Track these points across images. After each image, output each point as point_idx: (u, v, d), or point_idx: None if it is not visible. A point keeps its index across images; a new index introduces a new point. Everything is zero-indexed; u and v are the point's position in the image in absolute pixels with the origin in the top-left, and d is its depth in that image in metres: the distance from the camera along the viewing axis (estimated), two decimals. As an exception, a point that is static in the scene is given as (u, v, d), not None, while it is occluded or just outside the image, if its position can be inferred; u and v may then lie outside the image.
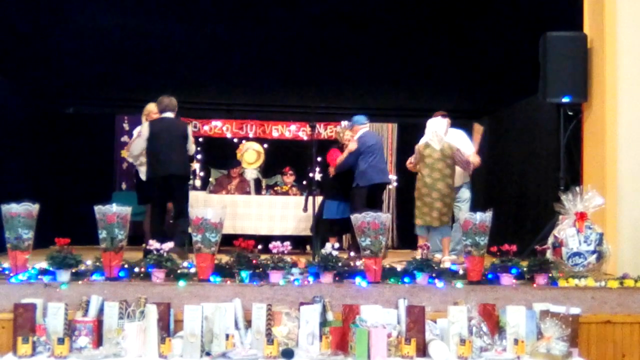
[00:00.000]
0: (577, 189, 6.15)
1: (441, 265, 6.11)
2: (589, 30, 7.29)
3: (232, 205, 10.07)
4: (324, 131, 12.25)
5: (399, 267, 5.95)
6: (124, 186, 11.84)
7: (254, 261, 5.69)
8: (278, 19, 9.29)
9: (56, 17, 8.98)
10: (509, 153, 10.69)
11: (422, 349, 4.98)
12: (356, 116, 9.10)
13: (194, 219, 5.61)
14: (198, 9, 9.07)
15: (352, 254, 7.57)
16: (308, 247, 9.97)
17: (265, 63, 10.51)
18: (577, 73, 7.20)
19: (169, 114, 8.05)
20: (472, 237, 5.72)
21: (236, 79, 11.09)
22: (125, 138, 11.45)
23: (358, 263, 5.93)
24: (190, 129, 8.39)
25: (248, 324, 5.15)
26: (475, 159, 8.26)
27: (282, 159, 11.97)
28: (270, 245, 5.82)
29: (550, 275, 5.83)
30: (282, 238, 6.02)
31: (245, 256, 5.69)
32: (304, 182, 11.10)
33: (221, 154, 12.29)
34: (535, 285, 5.71)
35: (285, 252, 5.79)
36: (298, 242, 9.76)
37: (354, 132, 9.01)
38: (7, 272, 5.61)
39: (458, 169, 8.23)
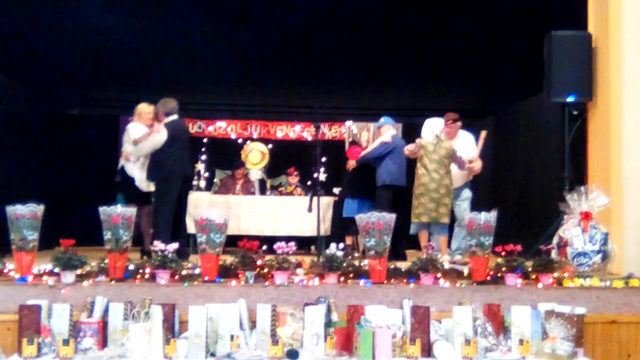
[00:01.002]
0: (582, 188, 6.15)
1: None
2: (594, 29, 7.27)
3: (237, 206, 10.08)
4: (329, 131, 12.27)
5: (404, 268, 5.95)
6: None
7: (259, 262, 5.69)
8: (282, 19, 9.28)
9: (61, 18, 8.97)
10: (513, 153, 10.68)
11: (427, 350, 4.97)
12: (387, 116, 9.20)
13: (198, 220, 5.61)
14: (203, 9, 9.06)
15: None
16: (313, 248, 9.98)
17: (269, 64, 10.49)
18: (582, 72, 7.19)
19: (175, 116, 8.10)
20: (477, 237, 5.72)
21: (241, 79, 11.08)
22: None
23: (363, 263, 5.93)
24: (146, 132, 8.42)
25: (253, 324, 5.15)
26: (476, 165, 8.26)
27: (286, 160, 11.99)
28: (275, 246, 5.82)
29: (555, 275, 5.82)
30: (287, 239, 6.01)
31: (249, 257, 5.69)
32: (309, 183, 11.11)
33: (226, 155, 12.32)
34: (540, 285, 5.70)
35: (290, 252, 5.79)
36: (303, 243, 9.76)
37: (383, 132, 9.08)
38: (12, 274, 5.61)
39: (459, 170, 8.23)
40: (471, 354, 4.88)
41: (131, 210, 5.73)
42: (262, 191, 11.36)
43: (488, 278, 5.78)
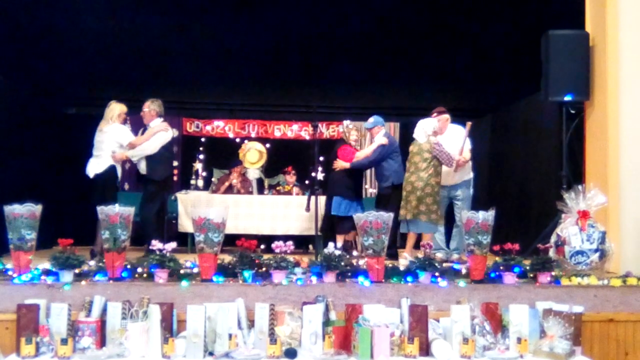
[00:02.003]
0: (580, 187, 6.16)
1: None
2: (591, 28, 7.28)
3: (235, 205, 10.07)
4: (326, 130, 12.27)
5: (402, 266, 5.95)
6: (126, 187, 11.83)
7: (257, 261, 5.70)
8: (280, 19, 9.29)
9: (59, 17, 8.98)
10: (511, 152, 10.68)
11: (425, 348, 4.98)
12: (377, 116, 9.16)
13: (196, 219, 5.61)
14: (201, 9, 9.07)
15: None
16: (311, 247, 9.97)
17: (267, 63, 10.50)
18: (579, 71, 7.20)
19: (162, 119, 8.35)
20: (475, 236, 5.72)
21: (238, 79, 11.09)
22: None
23: (361, 262, 5.92)
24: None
25: (251, 323, 5.16)
26: (462, 157, 8.24)
27: (284, 159, 11.98)
28: (273, 245, 5.82)
29: (553, 273, 5.83)
30: (285, 238, 6.02)
31: (248, 256, 5.70)
32: (307, 182, 11.11)
33: (223, 154, 12.32)
34: (538, 283, 5.71)
35: (288, 251, 5.79)
36: (301, 242, 9.75)
37: (375, 132, 9.08)
38: (10, 273, 5.61)
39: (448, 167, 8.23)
40: (469, 352, 4.89)
41: (129, 210, 5.73)
42: (260, 190, 11.36)
43: (486, 277, 5.79)
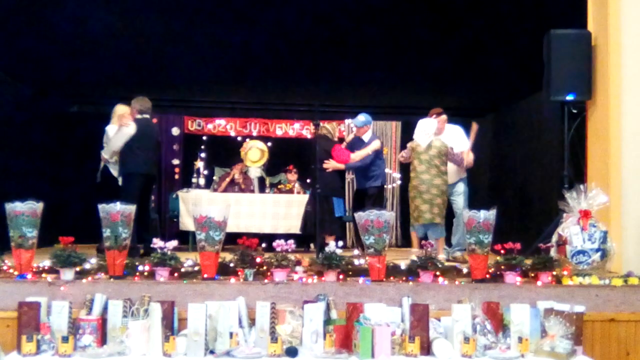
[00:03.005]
0: (581, 186, 6.15)
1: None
2: (593, 27, 7.27)
3: (236, 203, 10.09)
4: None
5: (403, 265, 5.95)
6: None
7: (258, 259, 5.70)
8: (281, 17, 9.27)
9: (61, 16, 8.97)
10: (512, 151, 10.69)
11: (426, 347, 4.98)
12: (366, 114, 9.18)
13: (197, 217, 5.61)
14: (201, 8, 9.06)
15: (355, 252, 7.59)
16: (312, 245, 9.98)
17: (268, 61, 10.49)
18: (581, 71, 7.19)
19: (147, 116, 8.32)
20: (476, 235, 5.72)
21: (240, 77, 11.08)
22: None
23: (362, 261, 5.93)
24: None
25: (252, 322, 5.16)
26: (469, 157, 8.29)
27: (285, 157, 11.98)
28: (274, 244, 5.82)
29: (554, 273, 5.82)
30: (286, 236, 6.02)
31: (249, 254, 5.70)
32: (308, 180, 11.11)
33: (225, 153, 12.33)
34: (539, 283, 5.70)
35: (289, 250, 5.79)
36: (302, 241, 9.76)
37: (363, 131, 9.11)
38: (11, 271, 5.62)
39: (452, 166, 8.25)
40: (470, 351, 4.89)
41: (130, 208, 5.73)
42: (262, 189, 11.37)
43: (487, 276, 5.79)
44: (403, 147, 9.12)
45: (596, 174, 7.01)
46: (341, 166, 9.02)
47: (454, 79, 10.74)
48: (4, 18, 8.64)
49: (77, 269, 5.56)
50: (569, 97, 7.29)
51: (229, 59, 10.47)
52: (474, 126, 8.51)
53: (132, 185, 8.01)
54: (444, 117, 8.46)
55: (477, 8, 8.91)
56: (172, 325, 5.07)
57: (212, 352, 4.89)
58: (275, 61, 10.45)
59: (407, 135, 11.93)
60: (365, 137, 9.22)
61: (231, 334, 4.94)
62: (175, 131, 12.62)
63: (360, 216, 5.75)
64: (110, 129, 8.46)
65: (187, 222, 10.04)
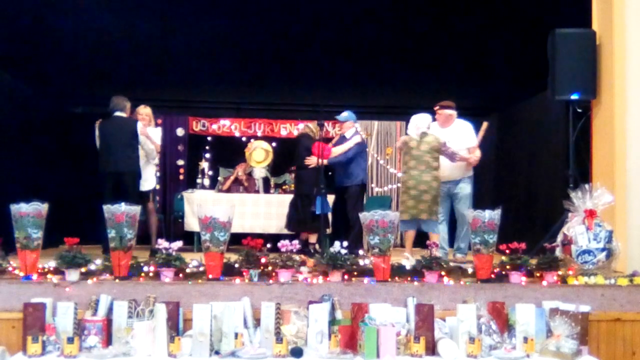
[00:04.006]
0: (587, 186, 6.14)
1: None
2: (598, 27, 7.26)
3: (241, 204, 10.10)
4: (332, 129, 12.23)
5: (408, 266, 5.94)
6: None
7: (263, 260, 5.70)
8: (286, 17, 9.28)
9: (64, 17, 8.98)
10: (517, 151, 10.67)
11: (431, 348, 4.98)
12: (350, 112, 9.25)
13: (202, 218, 5.62)
14: (206, 7, 9.07)
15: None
16: (317, 246, 9.97)
17: (273, 62, 10.50)
18: (586, 70, 7.18)
19: (118, 113, 8.42)
20: (481, 234, 5.71)
21: (244, 78, 11.09)
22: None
23: (367, 261, 5.92)
24: (139, 127, 8.53)
25: (257, 322, 5.16)
26: (475, 155, 8.20)
27: (290, 158, 11.96)
28: (279, 244, 5.82)
29: (559, 273, 5.81)
30: (291, 237, 6.02)
31: (254, 255, 5.70)
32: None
33: (230, 153, 12.33)
34: (544, 283, 5.70)
35: (294, 250, 5.79)
36: (307, 241, 9.75)
37: (347, 128, 9.29)
38: (16, 272, 5.62)
39: (457, 162, 8.15)
40: (475, 352, 4.88)
41: (135, 209, 5.74)
42: (266, 189, 11.37)
43: (492, 276, 5.78)
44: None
45: (601, 173, 6.99)
46: (323, 162, 8.96)
47: (459, 79, 10.73)
48: (5, 18, 8.66)
49: (83, 269, 5.57)
50: (574, 97, 7.29)
51: (234, 59, 10.48)
52: (485, 124, 8.47)
53: (102, 186, 8.22)
54: (447, 111, 8.31)
55: (482, 8, 8.91)
56: (177, 326, 5.08)
57: (217, 352, 4.90)
58: (280, 61, 10.46)
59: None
60: (348, 134, 9.37)
61: (236, 335, 4.93)
62: (180, 132, 12.62)
63: (365, 216, 5.74)
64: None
65: (192, 223, 10.04)
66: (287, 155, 12.15)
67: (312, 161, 9.07)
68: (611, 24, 6.93)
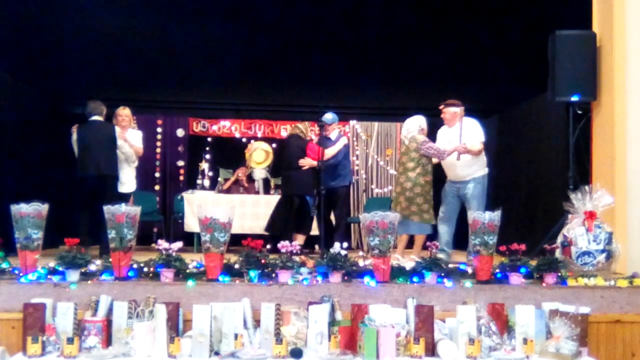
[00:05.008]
0: (587, 188, 6.14)
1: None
2: (598, 28, 7.26)
3: (241, 204, 10.11)
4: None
5: (408, 267, 5.94)
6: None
7: (263, 261, 5.69)
8: (285, 18, 9.30)
9: (66, 18, 9.01)
10: (517, 152, 10.66)
11: (431, 349, 4.98)
12: (333, 113, 9.41)
13: (202, 218, 5.62)
14: (206, 9, 9.09)
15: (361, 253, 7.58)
16: (317, 247, 9.97)
17: (273, 63, 10.51)
18: (586, 72, 7.18)
19: (96, 117, 8.51)
20: (481, 236, 5.71)
21: (244, 78, 11.10)
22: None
23: (367, 262, 5.92)
24: (118, 131, 8.60)
25: (257, 323, 5.16)
26: (473, 148, 8.07)
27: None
28: (279, 245, 5.82)
29: (559, 274, 5.81)
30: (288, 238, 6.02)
31: (254, 256, 5.69)
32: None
33: (230, 154, 12.34)
34: (544, 284, 5.69)
35: (294, 251, 5.79)
36: (307, 242, 9.76)
37: (332, 129, 9.46)
38: (16, 272, 5.62)
39: (461, 162, 8.08)
40: (475, 353, 4.89)
41: (135, 209, 5.74)
42: (267, 190, 11.38)
43: (492, 277, 5.78)
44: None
45: (601, 175, 6.99)
46: (314, 163, 8.99)
47: (459, 81, 10.74)
48: (5, 19, 8.67)
49: (83, 270, 5.57)
50: (574, 98, 7.29)
51: (234, 60, 10.50)
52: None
53: (81, 189, 8.43)
54: (452, 109, 8.20)
55: (482, 9, 8.92)
56: (177, 326, 5.08)
57: (217, 353, 4.90)
58: (280, 63, 10.47)
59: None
60: (332, 136, 9.46)
61: (236, 336, 4.93)
62: (180, 132, 12.63)
63: (365, 217, 5.74)
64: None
65: (192, 224, 10.05)
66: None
67: (307, 162, 9.08)
68: (611, 25, 6.94)
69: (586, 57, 7.19)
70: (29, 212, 5.57)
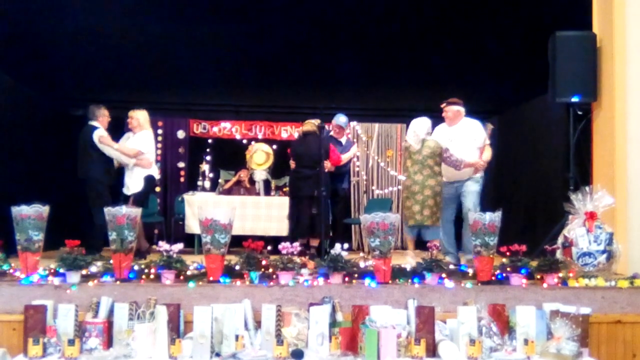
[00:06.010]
0: (587, 188, 6.15)
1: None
2: (598, 29, 7.27)
3: (242, 206, 10.12)
4: (333, 132, 12.24)
5: (408, 268, 5.94)
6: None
7: (264, 262, 5.70)
8: (286, 19, 9.29)
9: (65, 18, 9.00)
10: (518, 153, 10.67)
11: (432, 350, 4.97)
12: (345, 116, 9.60)
13: (203, 220, 5.62)
14: (206, 10, 9.08)
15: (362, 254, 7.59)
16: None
17: (274, 64, 10.50)
18: (587, 72, 7.19)
19: (91, 122, 8.80)
20: (482, 237, 5.71)
21: (245, 80, 11.09)
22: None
23: (368, 263, 5.93)
24: (97, 135, 8.65)
25: (258, 324, 5.16)
26: (484, 156, 8.10)
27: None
28: (280, 246, 5.83)
29: (560, 275, 5.81)
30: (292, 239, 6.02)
31: (254, 257, 5.70)
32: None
33: (230, 156, 12.35)
34: (545, 285, 5.70)
35: (295, 253, 5.80)
36: (307, 243, 9.75)
37: (343, 133, 9.65)
38: (17, 274, 5.63)
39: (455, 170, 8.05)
40: (476, 354, 4.88)
41: (136, 211, 5.75)
42: (267, 192, 11.38)
43: (493, 278, 5.78)
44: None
45: (602, 175, 7.00)
46: (332, 167, 8.97)
47: (459, 81, 10.73)
48: (6, 19, 8.67)
49: (83, 272, 5.57)
50: (574, 99, 7.29)
51: (234, 61, 10.49)
52: (489, 126, 8.44)
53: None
54: (454, 107, 8.12)
55: (483, 10, 8.91)
56: (178, 328, 5.09)
57: (218, 354, 4.90)
58: (281, 64, 10.46)
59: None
60: (343, 139, 9.66)
61: (237, 337, 4.93)
62: (181, 134, 12.64)
63: (366, 218, 5.75)
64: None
65: (192, 225, 10.06)
66: (288, 157, 12.18)
67: (328, 166, 8.79)
68: (612, 26, 6.94)
69: (586, 57, 7.19)
70: (30, 213, 5.58)
